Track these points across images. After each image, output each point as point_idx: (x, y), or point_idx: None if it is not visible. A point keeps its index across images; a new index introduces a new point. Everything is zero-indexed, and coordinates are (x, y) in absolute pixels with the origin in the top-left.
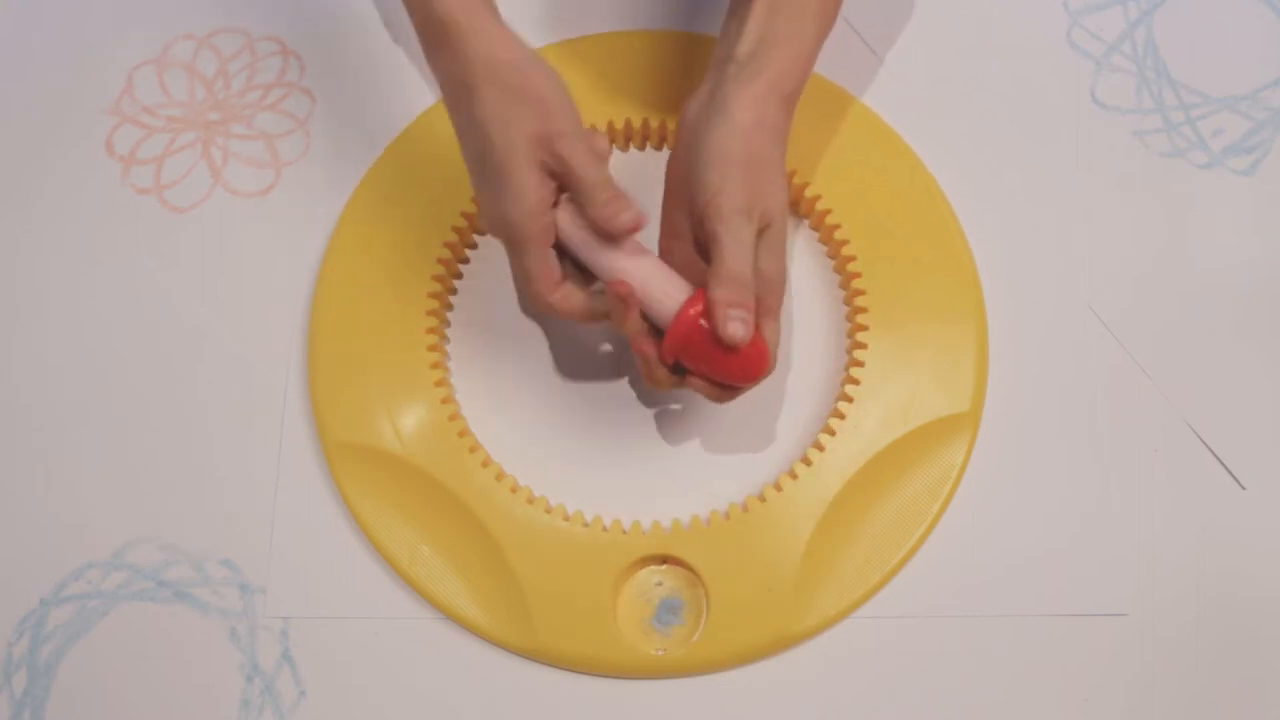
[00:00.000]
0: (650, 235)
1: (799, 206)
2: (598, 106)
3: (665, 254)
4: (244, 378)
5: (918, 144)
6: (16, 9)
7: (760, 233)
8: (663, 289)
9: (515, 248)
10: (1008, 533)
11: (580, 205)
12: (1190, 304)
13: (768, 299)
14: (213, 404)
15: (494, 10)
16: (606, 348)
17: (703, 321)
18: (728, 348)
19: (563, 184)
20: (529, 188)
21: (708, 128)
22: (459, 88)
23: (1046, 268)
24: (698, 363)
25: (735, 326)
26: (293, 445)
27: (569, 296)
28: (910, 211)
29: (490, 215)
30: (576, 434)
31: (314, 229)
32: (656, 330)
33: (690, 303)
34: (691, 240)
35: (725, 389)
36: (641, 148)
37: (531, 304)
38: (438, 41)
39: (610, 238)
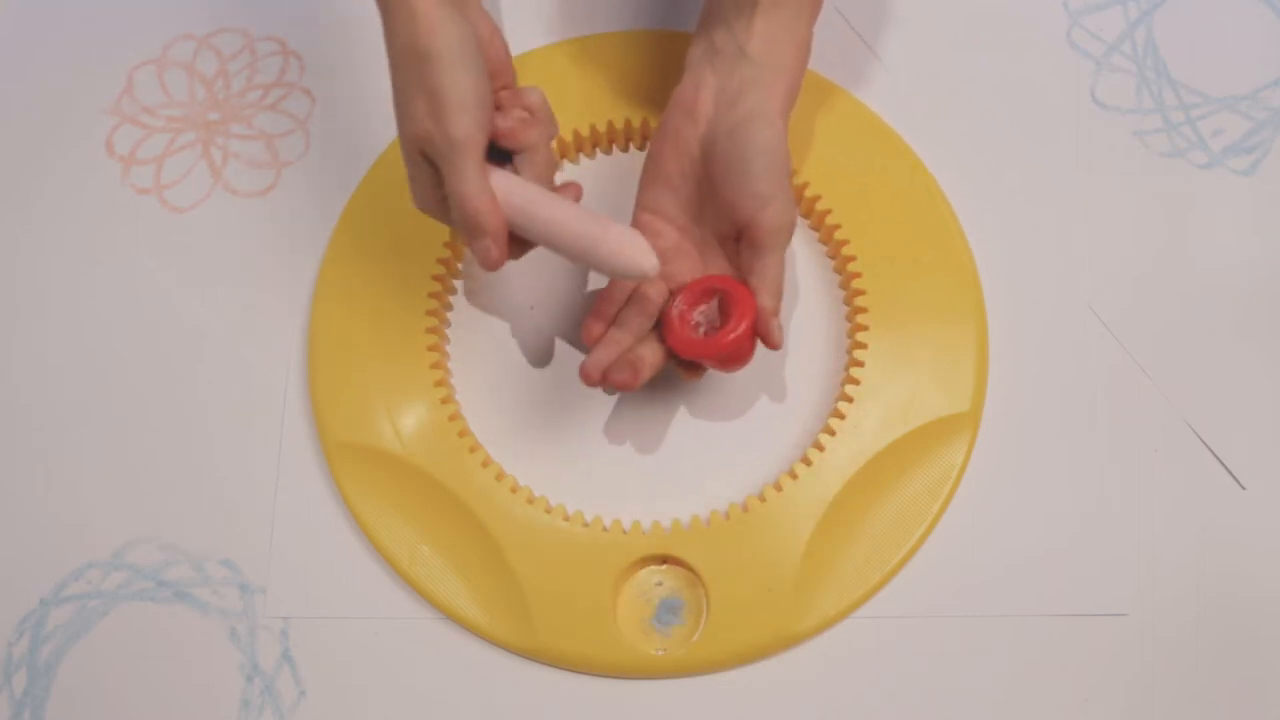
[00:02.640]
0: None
1: (800, 206)
2: (598, 106)
3: (642, 228)
4: (244, 378)
5: (918, 144)
6: (16, 9)
7: None
8: (578, 228)
9: (445, 154)
10: (1008, 533)
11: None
12: (1190, 304)
13: None
14: (213, 404)
15: None
16: None
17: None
18: (746, 350)
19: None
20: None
21: (751, 135)
22: (391, 53)
23: (1046, 268)
24: (711, 360)
25: (780, 335)
26: (293, 445)
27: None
28: (910, 211)
29: (414, 120)
30: (577, 434)
31: (314, 229)
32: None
33: (739, 319)
34: (678, 224)
35: (700, 370)
36: (641, 148)
37: (460, 218)
38: (379, 4)
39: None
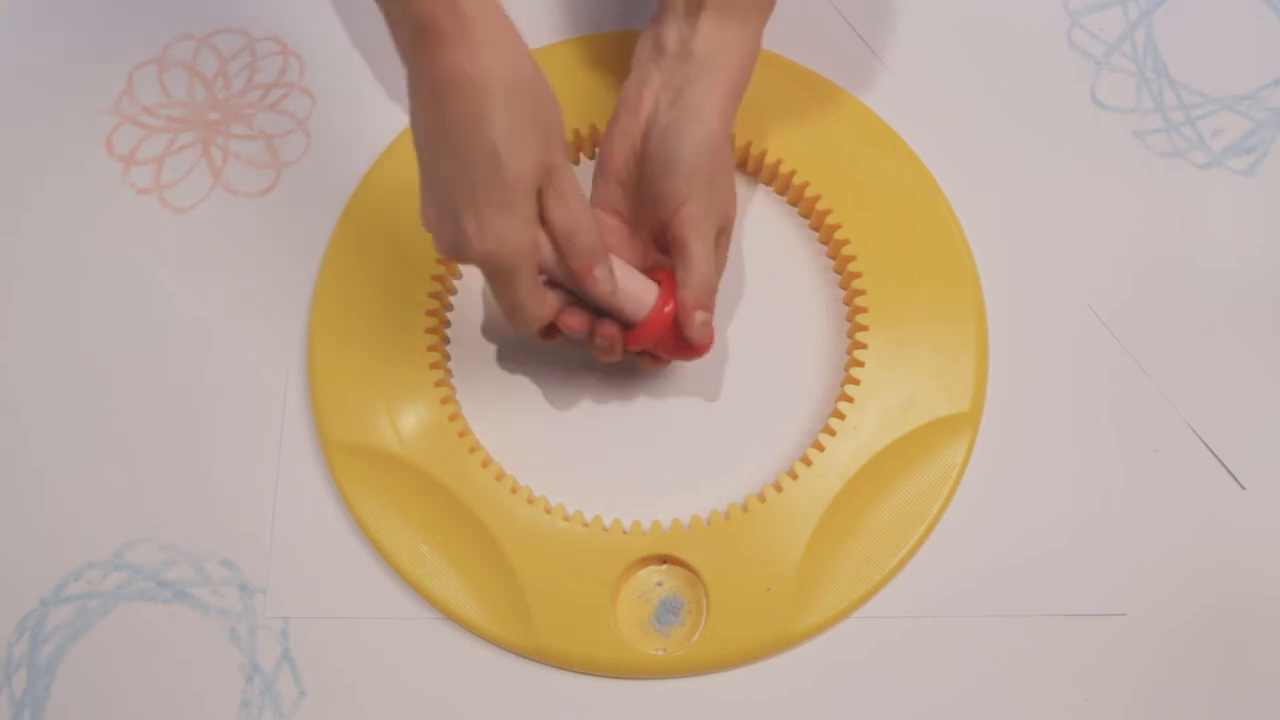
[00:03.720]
0: None
1: (800, 206)
2: (598, 107)
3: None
4: (244, 378)
5: (918, 144)
6: (17, 9)
7: (717, 235)
8: (633, 294)
9: (506, 276)
10: (1008, 533)
11: (556, 245)
12: (1190, 304)
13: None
14: (213, 404)
15: (500, 5)
16: None
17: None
18: (665, 337)
19: (541, 216)
20: (530, 217)
21: (678, 135)
22: (461, 91)
23: (1046, 268)
24: (661, 349)
25: (702, 329)
26: (293, 445)
27: (557, 310)
28: (910, 211)
29: (482, 237)
30: (576, 434)
31: (314, 229)
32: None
33: (662, 302)
34: (628, 219)
35: (663, 363)
36: None
37: (524, 329)
38: (436, 37)
39: (578, 282)
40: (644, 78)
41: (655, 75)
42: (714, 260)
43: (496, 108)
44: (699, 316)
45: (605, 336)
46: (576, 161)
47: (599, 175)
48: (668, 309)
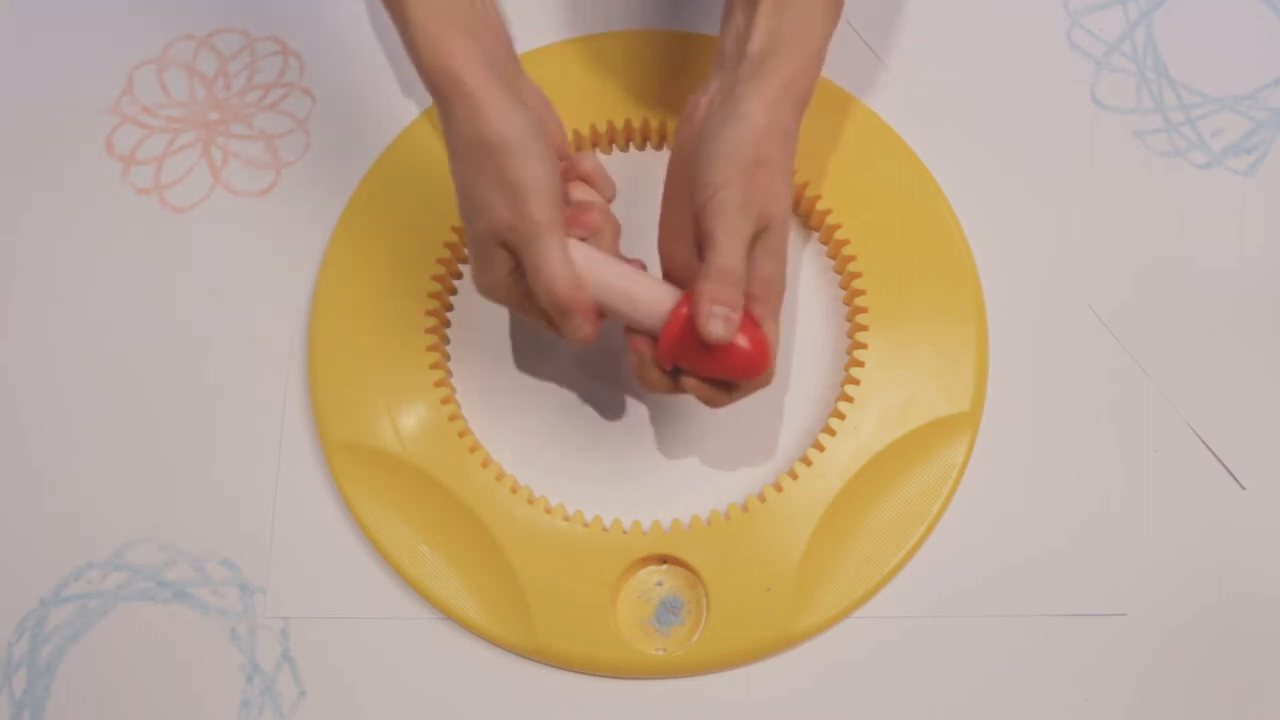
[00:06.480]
0: (649, 237)
1: (799, 206)
2: (598, 107)
3: (665, 257)
4: (244, 378)
5: (918, 144)
6: (17, 9)
7: (759, 234)
8: (657, 298)
9: (529, 241)
10: (1008, 533)
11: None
12: (1190, 304)
13: (768, 299)
14: (213, 404)
15: (496, 70)
16: (607, 348)
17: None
18: (716, 344)
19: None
20: (501, 270)
21: (719, 126)
22: (450, 151)
23: (1046, 268)
24: (695, 363)
25: (717, 324)
26: (293, 445)
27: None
28: (911, 212)
29: (491, 212)
30: (576, 434)
31: (314, 229)
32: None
33: (683, 302)
34: (693, 241)
35: (721, 392)
36: (641, 148)
37: (550, 302)
38: (435, 95)
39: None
40: (704, 89)
41: (713, 84)
42: (744, 257)
43: (461, 169)
44: (715, 310)
45: (634, 351)
46: None
47: (665, 197)
48: (686, 309)
